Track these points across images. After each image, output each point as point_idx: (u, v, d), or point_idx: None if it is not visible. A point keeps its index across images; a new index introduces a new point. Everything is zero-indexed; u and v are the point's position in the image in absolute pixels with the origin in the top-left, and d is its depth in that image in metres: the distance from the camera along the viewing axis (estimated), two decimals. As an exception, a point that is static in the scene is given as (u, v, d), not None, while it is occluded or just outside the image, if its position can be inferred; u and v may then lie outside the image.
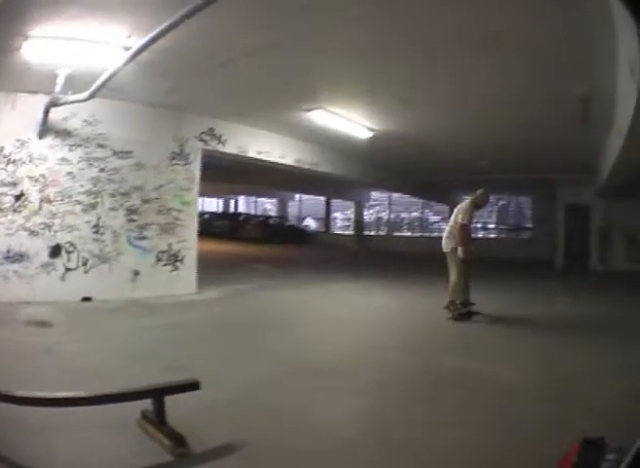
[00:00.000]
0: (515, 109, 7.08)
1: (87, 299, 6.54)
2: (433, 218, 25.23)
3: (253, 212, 28.76)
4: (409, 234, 24.43)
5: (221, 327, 5.66)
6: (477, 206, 6.48)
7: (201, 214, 26.07)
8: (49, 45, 4.88)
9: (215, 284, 8.19)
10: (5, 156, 6.33)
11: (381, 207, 25.71)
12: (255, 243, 19.28)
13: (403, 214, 25.68)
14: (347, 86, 6.63)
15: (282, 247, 18.80)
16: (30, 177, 6.42)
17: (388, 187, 17.75)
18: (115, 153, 6.96)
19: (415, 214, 25.27)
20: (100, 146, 6.85)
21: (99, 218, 6.80)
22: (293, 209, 27.88)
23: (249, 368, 3.93)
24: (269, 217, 25.00)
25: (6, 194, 6.31)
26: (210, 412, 2.88)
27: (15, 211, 6.32)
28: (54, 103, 6.02)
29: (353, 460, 2.48)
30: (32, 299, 6.08)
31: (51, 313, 5.60)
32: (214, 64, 5.61)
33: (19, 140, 6.37)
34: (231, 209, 29.77)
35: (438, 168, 13.37)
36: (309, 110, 7.56)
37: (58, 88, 5.71)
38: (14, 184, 6.34)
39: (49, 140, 6.52)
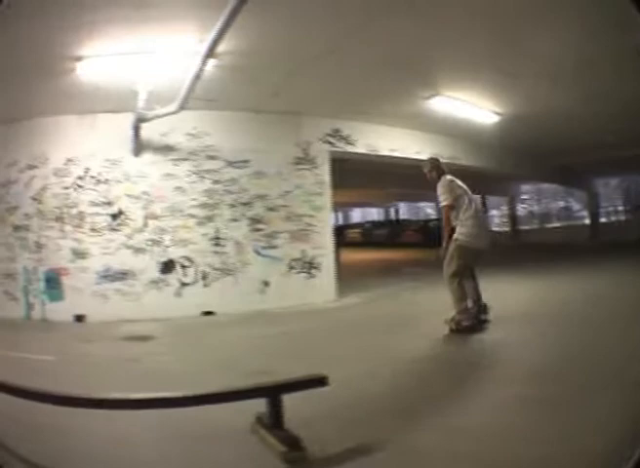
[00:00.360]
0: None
1: (209, 313, 6.25)
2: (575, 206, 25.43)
3: (414, 217, 28.26)
4: (556, 224, 24.12)
5: (341, 331, 5.13)
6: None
7: (361, 225, 27.89)
8: (117, 62, 4.84)
9: (359, 290, 7.60)
10: (93, 177, 6.36)
11: (531, 199, 24.63)
12: (415, 248, 18.41)
13: (551, 205, 25.97)
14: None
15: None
16: (129, 195, 6.36)
17: (528, 177, 16.21)
18: (229, 163, 6.64)
19: (559, 203, 25.49)
20: (211, 158, 6.59)
21: (217, 231, 6.57)
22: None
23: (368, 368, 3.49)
24: (429, 221, 23.75)
25: (99, 214, 6.33)
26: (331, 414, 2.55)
27: (113, 229, 6.31)
28: (142, 119, 5.89)
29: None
30: (138, 317, 5.91)
31: (156, 329, 5.40)
32: (312, 56, 5.07)
33: (108, 160, 6.36)
34: (392, 216, 29.32)
35: (569, 149, 11.70)
36: (429, 98, 6.72)
37: (141, 104, 5.57)
38: (108, 204, 6.34)
39: (148, 157, 6.41)
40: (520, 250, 16.26)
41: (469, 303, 4.52)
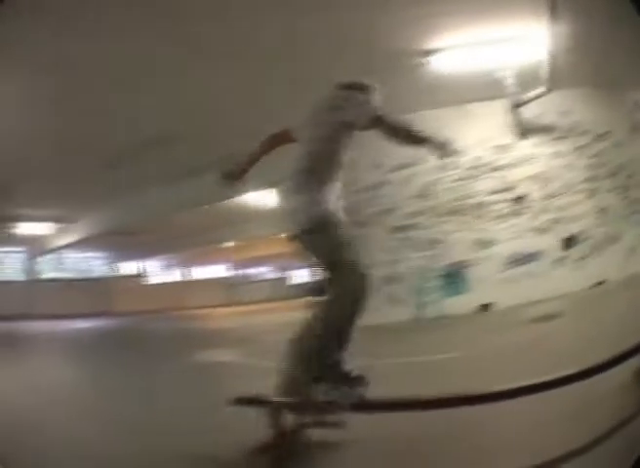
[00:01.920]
0: None
1: (600, 283, 6.26)
2: None
3: None
4: None
5: None
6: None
7: None
8: (474, 52, 5.03)
9: None
10: (486, 165, 6.48)
11: None
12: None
13: None
14: None
15: None
16: (526, 178, 6.46)
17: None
18: (598, 137, 6.64)
19: None
20: (582, 134, 6.62)
21: (599, 203, 6.53)
22: None
23: None
24: None
25: (500, 201, 6.44)
26: None
27: (515, 214, 6.42)
28: (517, 104, 6.02)
29: None
30: (544, 297, 5.95)
31: (561, 305, 5.32)
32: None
33: (497, 146, 6.48)
34: None
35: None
36: None
37: (510, 89, 5.68)
38: (508, 189, 6.45)
39: (533, 139, 6.49)
40: None
41: None
